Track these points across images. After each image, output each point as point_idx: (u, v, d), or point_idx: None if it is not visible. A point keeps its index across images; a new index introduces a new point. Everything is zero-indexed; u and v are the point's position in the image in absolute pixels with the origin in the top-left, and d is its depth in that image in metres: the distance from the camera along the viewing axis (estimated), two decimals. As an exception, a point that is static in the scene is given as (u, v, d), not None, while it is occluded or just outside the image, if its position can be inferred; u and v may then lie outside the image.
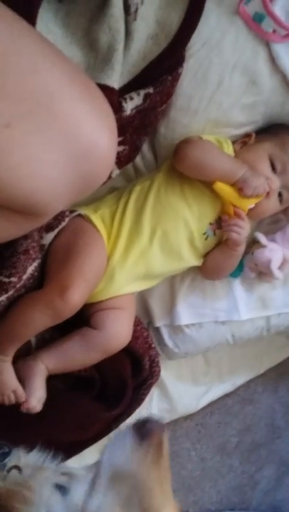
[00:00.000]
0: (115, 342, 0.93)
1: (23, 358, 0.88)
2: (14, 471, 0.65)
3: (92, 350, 0.91)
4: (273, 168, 0.95)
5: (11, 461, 0.67)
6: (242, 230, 0.92)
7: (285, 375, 1.69)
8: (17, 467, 0.65)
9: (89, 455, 1.10)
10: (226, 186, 0.89)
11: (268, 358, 1.55)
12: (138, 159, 1.01)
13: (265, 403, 1.65)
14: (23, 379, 0.86)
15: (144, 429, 0.57)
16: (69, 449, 1.01)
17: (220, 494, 1.60)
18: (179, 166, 0.93)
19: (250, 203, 0.92)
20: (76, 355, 0.90)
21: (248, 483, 1.68)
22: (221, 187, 0.89)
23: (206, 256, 1.00)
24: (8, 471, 0.65)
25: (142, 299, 1.13)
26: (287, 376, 1.70)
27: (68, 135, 0.56)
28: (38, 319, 0.83)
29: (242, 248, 0.98)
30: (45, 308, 0.82)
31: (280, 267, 1.04)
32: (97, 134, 0.58)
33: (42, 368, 0.86)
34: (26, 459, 0.72)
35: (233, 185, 0.89)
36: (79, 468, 0.71)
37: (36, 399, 0.85)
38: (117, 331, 0.93)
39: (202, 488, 1.52)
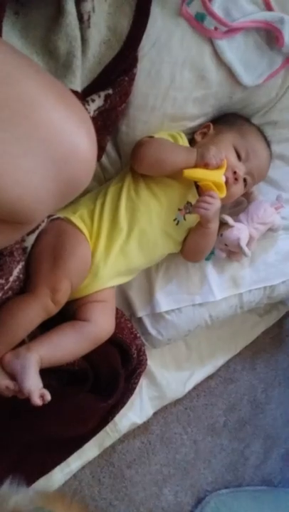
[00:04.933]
0: (103, 332, 0.98)
1: (13, 350, 0.88)
2: None
3: (82, 339, 0.94)
4: (238, 156, 1.02)
5: None
6: (209, 205, 0.97)
7: (260, 353, 1.78)
8: None
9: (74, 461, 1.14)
10: (193, 170, 0.95)
11: (243, 338, 1.63)
12: (104, 158, 1.06)
13: (245, 381, 1.73)
14: (16, 371, 0.85)
15: None
16: (70, 444, 1.04)
17: (214, 474, 1.65)
18: (139, 169, 0.98)
19: (221, 173, 0.97)
20: (68, 345, 0.93)
21: (239, 460, 1.75)
22: (190, 172, 0.95)
23: (184, 240, 1.06)
24: None
25: (123, 293, 1.18)
26: (262, 353, 1.80)
27: (48, 142, 0.57)
28: (32, 320, 0.87)
29: (214, 225, 1.03)
30: (38, 309, 0.87)
31: (248, 245, 1.11)
32: (76, 139, 0.59)
33: (36, 358, 0.87)
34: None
35: (195, 167, 0.95)
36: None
37: (37, 392, 0.83)
38: (103, 322, 0.97)
39: (197, 470, 1.58)
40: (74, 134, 0.59)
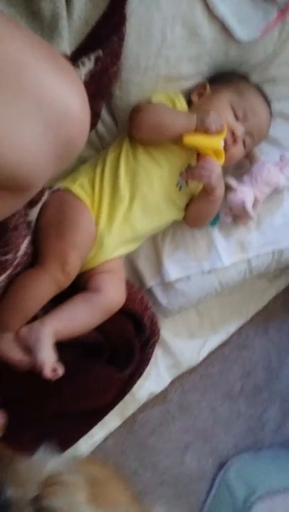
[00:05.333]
0: (113, 301, 0.97)
1: (27, 324, 0.88)
2: None
3: (94, 310, 0.94)
4: (236, 116, 1.00)
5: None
6: (211, 172, 0.95)
7: (272, 317, 1.78)
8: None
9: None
10: (193, 135, 0.93)
11: (254, 303, 1.63)
12: (99, 126, 1.04)
13: (258, 346, 1.73)
14: (31, 345, 0.86)
15: None
16: (92, 416, 1.05)
17: (234, 439, 1.67)
18: (137, 135, 0.96)
19: (221, 139, 0.95)
20: (80, 316, 0.93)
21: (257, 425, 1.77)
22: (190, 138, 0.93)
23: (187, 207, 1.05)
24: None
25: (131, 264, 1.17)
26: (274, 318, 1.79)
27: (41, 103, 0.57)
28: (43, 293, 0.87)
29: (220, 191, 1.02)
30: (50, 283, 0.87)
31: (253, 207, 1.10)
32: (68, 99, 0.59)
33: (50, 331, 0.87)
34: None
35: (195, 132, 0.94)
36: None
37: (50, 365, 0.84)
38: (113, 291, 0.97)
39: (217, 435, 1.59)
40: (65, 94, 0.59)
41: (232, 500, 1.58)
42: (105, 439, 1.23)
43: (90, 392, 1.00)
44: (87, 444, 1.14)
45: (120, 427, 1.24)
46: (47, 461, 0.61)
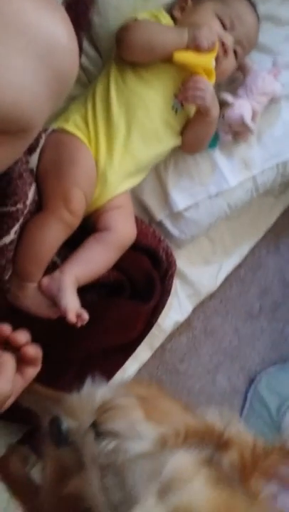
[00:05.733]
0: (125, 236, 0.97)
1: (48, 275, 0.89)
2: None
3: (107, 248, 0.94)
4: (223, 25, 0.95)
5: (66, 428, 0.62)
6: (204, 92, 0.92)
7: (282, 234, 1.78)
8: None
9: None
10: (184, 52, 0.89)
11: (263, 222, 1.62)
12: (83, 60, 0.99)
13: (272, 264, 1.75)
14: (54, 294, 0.87)
15: None
16: (124, 350, 1.08)
17: (260, 355, 1.74)
18: (127, 56, 0.91)
19: (212, 57, 0.92)
20: (96, 257, 0.93)
21: (280, 339, 1.83)
22: (180, 56, 0.89)
23: (183, 132, 1.02)
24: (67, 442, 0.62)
25: (137, 200, 1.16)
26: (284, 234, 1.80)
27: (27, 37, 0.55)
28: (54, 236, 0.86)
29: (215, 111, 0.99)
30: (57, 224, 0.86)
31: (252, 120, 1.07)
32: (54, 29, 0.57)
33: (71, 278, 0.88)
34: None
35: (186, 49, 0.89)
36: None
37: (75, 311, 0.85)
38: (123, 227, 0.97)
39: (244, 354, 1.66)
40: (51, 24, 0.57)
41: (266, 411, 1.67)
42: (139, 371, 1.28)
43: (118, 327, 1.02)
44: (122, 378, 1.18)
45: (151, 357, 1.28)
46: (95, 392, 0.64)
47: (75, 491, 0.51)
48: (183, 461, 0.46)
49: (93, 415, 0.58)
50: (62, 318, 0.89)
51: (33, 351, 0.57)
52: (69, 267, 0.91)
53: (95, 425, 0.56)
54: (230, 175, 1.19)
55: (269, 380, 1.69)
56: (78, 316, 0.85)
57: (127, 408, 0.56)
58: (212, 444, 0.47)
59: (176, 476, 0.45)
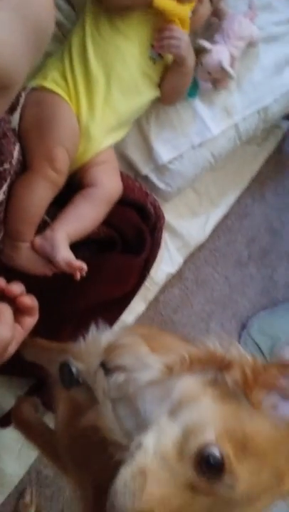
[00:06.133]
0: (111, 191, 0.98)
1: (39, 234, 0.91)
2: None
3: (96, 204, 0.96)
4: None
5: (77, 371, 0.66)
6: (179, 40, 0.92)
7: (266, 182, 1.81)
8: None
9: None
10: (163, 0, 0.88)
11: (247, 171, 1.64)
12: (57, 15, 0.97)
13: (258, 213, 1.79)
14: (48, 251, 0.89)
15: None
16: (120, 302, 1.12)
17: (251, 301, 1.80)
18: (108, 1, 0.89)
19: (190, 8, 0.91)
20: (85, 214, 0.94)
21: (270, 284, 1.89)
22: (161, 1, 0.88)
23: (161, 83, 1.02)
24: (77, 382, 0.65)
25: (122, 156, 1.16)
26: (269, 182, 1.82)
27: None
28: (41, 195, 0.87)
29: (191, 61, 0.99)
30: (43, 183, 0.87)
31: (231, 65, 1.06)
32: None
33: (62, 235, 0.89)
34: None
35: None
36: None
37: (71, 262, 0.87)
38: (109, 182, 0.97)
39: (235, 301, 1.71)
40: None
41: (259, 353, 1.74)
42: (134, 323, 1.33)
43: (112, 281, 1.05)
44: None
45: (146, 310, 1.33)
46: (100, 336, 0.67)
47: (90, 424, 0.55)
48: (189, 383, 0.51)
49: (101, 356, 0.61)
50: (58, 275, 0.92)
51: (29, 301, 0.57)
52: (59, 224, 0.93)
53: (103, 364, 0.59)
54: (212, 124, 1.19)
55: (260, 324, 1.76)
56: (76, 267, 0.87)
57: (133, 345, 0.59)
58: (215, 367, 0.51)
59: (185, 396, 0.49)
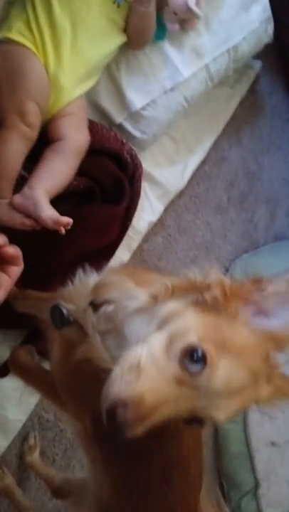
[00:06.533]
0: (79, 142, 0.99)
1: (18, 193, 0.92)
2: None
3: (66, 157, 0.96)
4: None
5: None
6: None
7: (241, 126, 1.81)
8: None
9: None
10: None
11: (222, 115, 1.64)
12: None
13: (235, 157, 1.80)
14: (30, 209, 0.90)
15: None
16: (105, 252, 1.15)
17: (233, 245, 1.84)
18: None
19: None
20: (58, 167, 0.95)
21: (250, 228, 1.93)
22: None
23: (126, 27, 1.00)
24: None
25: (95, 105, 1.16)
26: (244, 125, 1.82)
27: None
28: (15, 150, 0.88)
29: (152, 3, 0.97)
30: (17, 138, 0.87)
31: (197, 4, 1.05)
32: None
33: (42, 193, 0.91)
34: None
35: None
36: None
37: (56, 219, 0.88)
38: (75, 133, 0.98)
39: (217, 246, 1.75)
40: None
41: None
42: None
43: (95, 231, 1.08)
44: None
45: (131, 259, 1.36)
46: (88, 279, 0.70)
47: (83, 357, 0.60)
48: (174, 305, 0.55)
49: (89, 297, 0.65)
50: (42, 230, 0.93)
51: (12, 250, 0.58)
52: (36, 182, 0.93)
53: (92, 303, 0.63)
54: (182, 66, 1.18)
55: (242, 266, 1.81)
56: (63, 224, 0.89)
57: (119, 282, 0.63)
58: (196, 291, 0.56)
59: (170, 314, 0.54)
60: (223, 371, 0.49)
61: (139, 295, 0.58)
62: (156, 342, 0.52)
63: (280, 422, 1.77)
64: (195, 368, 0.49)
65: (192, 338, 0.50)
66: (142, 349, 0.51)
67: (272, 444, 1.76)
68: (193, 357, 0.49)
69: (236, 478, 1.77)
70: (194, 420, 0.52)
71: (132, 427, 0.47)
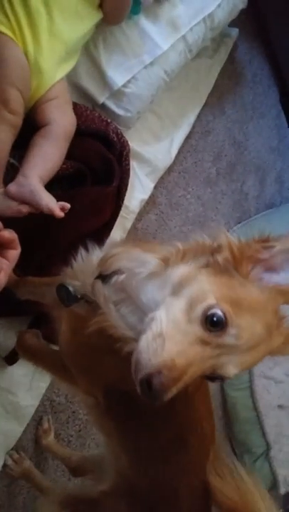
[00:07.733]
0: (66, 125, 0.99)
1: (13, 182, 0.92)
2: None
3: (55, 141, 0.96)
4: None
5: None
6: None
7: (224, 96, 1.80)
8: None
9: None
10: None
11: (203, 86, 1.63)
12: None
13: (220, 128, 1.79)
14: (27, 197, 0.90)
15: None
16: (101, 232, 1.15)
17: (225, 216, 1.85)
18: None
19: None
20: (48, 152, 0.95)
21: (241, 198, 1.94)
22: None
23: (102, 3, 0.99)
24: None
25: (76, 87, 1.15)
26: (226, 95, 1.82)
27: None
28: (1, 137, 0.88)
29: None
30: (2, 126, 0.87)
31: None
32: None
33: (37, 180, 0.91)
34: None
35: None
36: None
37: (56, 205, 0.89)
38: (62, 117, 0.97)
39: (210, 218, 1.76)
40: None
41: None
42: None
43: (89, 213, 1.08)
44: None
45: (126, 238, 1.36)
46: (91, 256, 0.71)
47: (96, 328, 0.61)
48: (186, 269, 0.57)
49: (95, 272, 0.65)
50: (37, 216, 0.94)
51: (8, 233, 0.60)
52: (29, 169, 0.93)
53: (100, 276, 0.64)
54: (160, 39, 1.18)
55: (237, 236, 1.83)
56: (61, 208, 0.90)
57: (126, 251, 0.64)
58: (206, 254, 0.57)
59: (183, 278, 0.56)
60: (244, 328, 0.52)
61: (149, 260, 0.60)
62: (175, 308, 0.54)
63: (286, 385, 1.81)
64: (217, 327, 0.52)
65: (210, 301, 0.53)
66: (161, 317, 0.53)
67: (280, 407, 1.81)
68: (213, 318, 0.52)
69: (248, 443, 1.82)
70: (216, 377, 0.55)
71: (167, 391, 0.49)
